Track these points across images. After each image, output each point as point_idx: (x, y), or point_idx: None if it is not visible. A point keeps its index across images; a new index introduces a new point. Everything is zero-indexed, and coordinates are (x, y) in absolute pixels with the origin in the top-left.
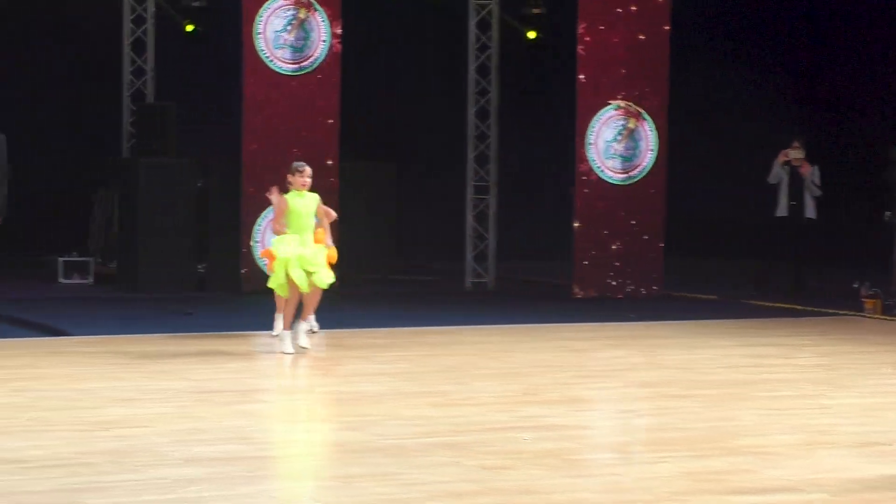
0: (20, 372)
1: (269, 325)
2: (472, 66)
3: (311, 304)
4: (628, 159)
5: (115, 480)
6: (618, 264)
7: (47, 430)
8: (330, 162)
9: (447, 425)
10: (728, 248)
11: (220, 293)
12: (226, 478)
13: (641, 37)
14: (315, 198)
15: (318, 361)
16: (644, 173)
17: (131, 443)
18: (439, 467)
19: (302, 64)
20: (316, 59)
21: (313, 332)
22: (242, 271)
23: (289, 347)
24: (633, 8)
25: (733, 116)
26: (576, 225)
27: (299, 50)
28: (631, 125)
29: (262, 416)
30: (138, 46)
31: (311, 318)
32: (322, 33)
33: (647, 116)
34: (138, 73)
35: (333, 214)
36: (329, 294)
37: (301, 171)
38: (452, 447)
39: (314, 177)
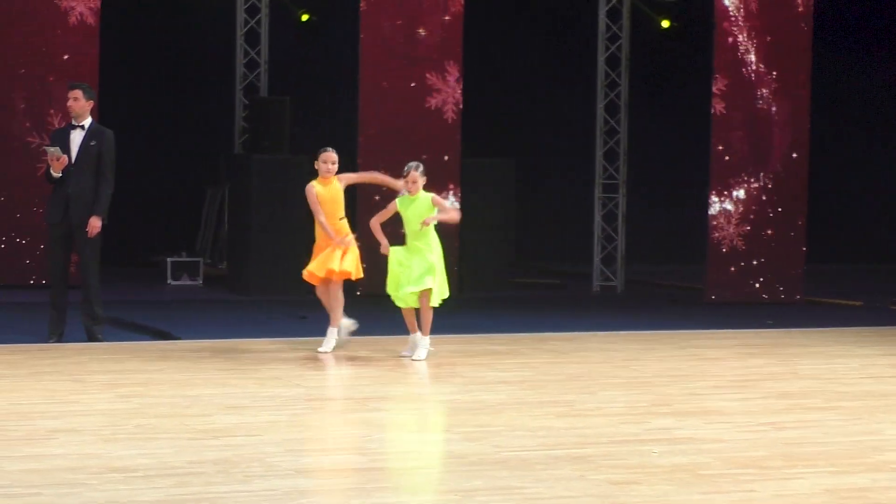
0: (127, 377)
1: (384, 329)
2: (601, 58)
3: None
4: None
5: (223, 491)
6: (756, 267)
7: (154, 437)
8: (447, 157)
9: (572, 437)
10: (873, 252)
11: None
12: (339, 490)
13: (780, 28)
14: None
15: (437, 369)
16: (783, 173)
17: (241, 452)
18: (563, 481)
19: (419, 54)
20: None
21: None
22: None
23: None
24: None
25: (881, 112)
26: (712, 225)
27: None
28: None
29: (378, 425)
30: (252, 38)
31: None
32: None
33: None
34: (251, 65)
35: (451, 211)
36: (450, 298)
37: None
38: (577, 460)
39: (430, 173)
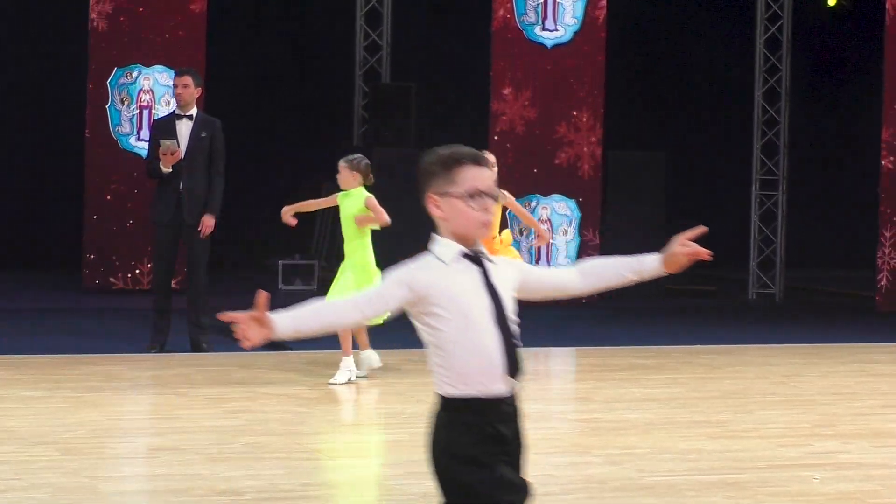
0: (235, 391)
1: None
2: (759, 40)
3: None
4: None
5: None
6: None
7: (264, 457)
8: (586, 150)
9: (726, 461)
10: None
11: None
12: None
13: None
14: (360, 198)
15: (576, 385)
16: None
17: (357, 474)
18: None
19: (557, 34)
20: (574, 27)
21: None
22: None
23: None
24: None
25: None
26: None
27: (556, 19)
28: None
29: None
30: (373, 18)
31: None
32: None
33: None
34: (372, 48)
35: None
36: (591, 307)
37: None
38: (731, 487)
39: (571, 166)
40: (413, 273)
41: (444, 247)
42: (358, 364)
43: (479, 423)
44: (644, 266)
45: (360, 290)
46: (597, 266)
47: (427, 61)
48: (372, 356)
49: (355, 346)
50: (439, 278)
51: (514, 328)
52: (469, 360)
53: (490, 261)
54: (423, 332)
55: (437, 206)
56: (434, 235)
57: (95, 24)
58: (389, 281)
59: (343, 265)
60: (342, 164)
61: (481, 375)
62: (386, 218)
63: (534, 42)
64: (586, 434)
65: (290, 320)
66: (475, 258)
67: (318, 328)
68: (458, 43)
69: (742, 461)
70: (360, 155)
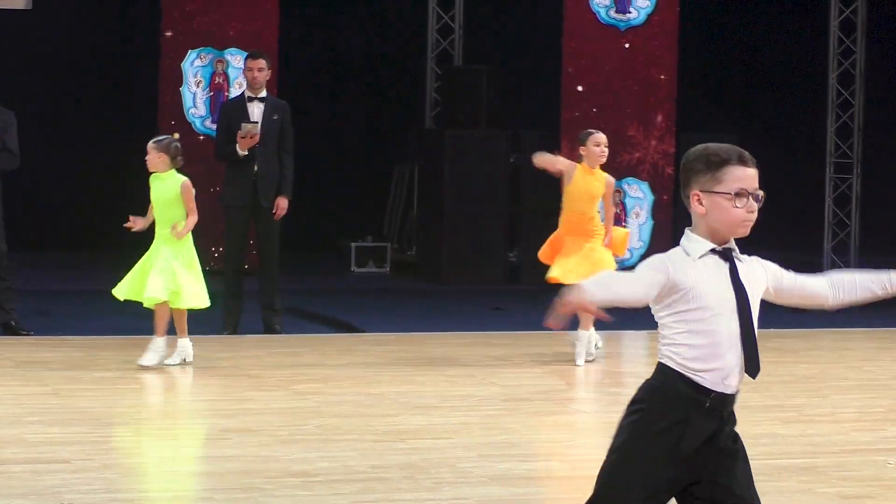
0: (307, 372)
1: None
2: (834, 22)
3: None
4: None
5: (410, 499)
6: None
7: (336, 439)
8: (658, 133)
9: (800, 445)
10: None
11: (534, 286)
12: (535, 499)
13: None
14: (176, 182)
15: (644, 368)
16: None
17: (429, 456)
18: (789, 494)
19: (630, 16)
20: (647, 10)
21: None
22: None
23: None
24: None
25: None
26: None
27: (629, 2)
28: None
29: (580, 429)
30: (445, 1)
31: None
32: None
33: None
34: (445, 31)
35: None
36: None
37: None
38: (805, 471)
39: (640, 149)
40: (665, 261)
41: (694, 242)
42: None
43: (681, 417)
44: (894, 283)
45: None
46: (846, 280)
47: (499, 43)
48: (187, 346)
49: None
50: (687, 268)
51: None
52: (707, 351)
53: (739, 259)
54: (665, 318)
55: (700, 203)
56: (687, 231)
57: (170, 6)
58: (647, 268)
59: (153, 246)
60: (150, 145)
61: (715, 368)
62: (194, 218)
63: (606, 24)
64: None
65: (595, 286)
66: (725, 254)
67: (613, 299)
68: (529, 25)
69: (816, 446)
70: (169, 136)
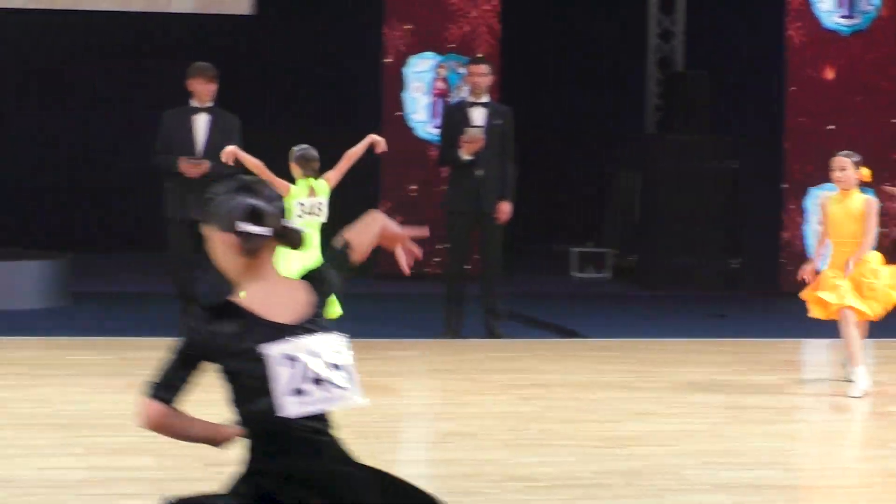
0: (528, 377)
1: (805, 331)
2: None
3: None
4: None
5: None
6: None
7: (557, 444)
8: (882, 137)
9: None
10: None
11: (755, 292)
12: None
13: None
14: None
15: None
16: None
17: (651, 463)
18: None
19: (854, 21)
20: (871, 14)
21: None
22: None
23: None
24: None
25: None
26: None
27: (852, 6)
28: None
29: (803, 438)
30: (667, 6)
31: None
32: None
33: None
34: (666, 36)
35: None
36: None
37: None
38: None
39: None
40: None
41: None
42: None
43: None
44: None
45: None
46: None
47: (720, 49)
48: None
49: None
50: None
51: None
52: None
53: None
54: None
55: None
56: None
57: (393, 11)
58: None
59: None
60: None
61: None
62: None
63: (829, 29)
64: (883, 428)
65: None
66: None
67: None
68: (751, 29)
69: None
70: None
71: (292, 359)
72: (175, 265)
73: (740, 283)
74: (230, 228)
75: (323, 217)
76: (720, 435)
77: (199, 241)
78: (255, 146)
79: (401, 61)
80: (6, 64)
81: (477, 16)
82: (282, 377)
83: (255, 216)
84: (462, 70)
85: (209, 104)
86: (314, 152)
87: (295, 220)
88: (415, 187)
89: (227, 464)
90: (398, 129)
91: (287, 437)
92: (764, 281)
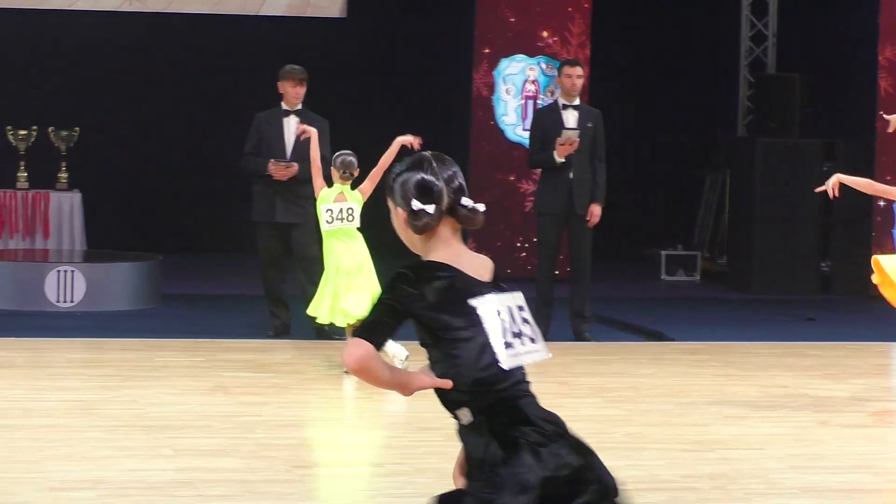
0: (616, 380)
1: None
2: None
3: None
4: None
5: None
6: None
7: (645, 448)
8: None
9: None
10: None
11: (846, 296)
12: None
13: None
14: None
15: None
16: None
17: (739, 467)
18: None
19: None
20: None
21: None
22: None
23: None
24: None
25: None
26: None
27: None
28: None
29: (892, 441)
30: (759, 9)
31: None
32: None
33: None
34: (758, 39)
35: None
36: None
37: None
38: None
39: None
40: None
41: None
42: None
43: None
44: None
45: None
46: None
47: (812, 51)
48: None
49: None
50: None
51: None
52: None
53: None
54: None
55: None
56: None
57: (483, 14)
58: None
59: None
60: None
61: None
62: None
63: None
64: None
65: None
66: None
67: None
68: (844, 32)
69: None
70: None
71: (500, 312)
72: (263, 267)
73: (831, 285)
74: (402, 204)
75: (356, 223)
76: (809, 439)
77: (286, 244)
78: (344, 148)
79: (491, 63)
80: (99, 68)
81: (568, 18)
82: (496, 329)
83: (425, 193)
84: (552, 72)
85: (298, 107)
86: (353, 159)
87: (324, 226)
88: (503, 190)
89: (312, 465)
90: (488, 131)
91: (504, 391)
92: (855, 284)
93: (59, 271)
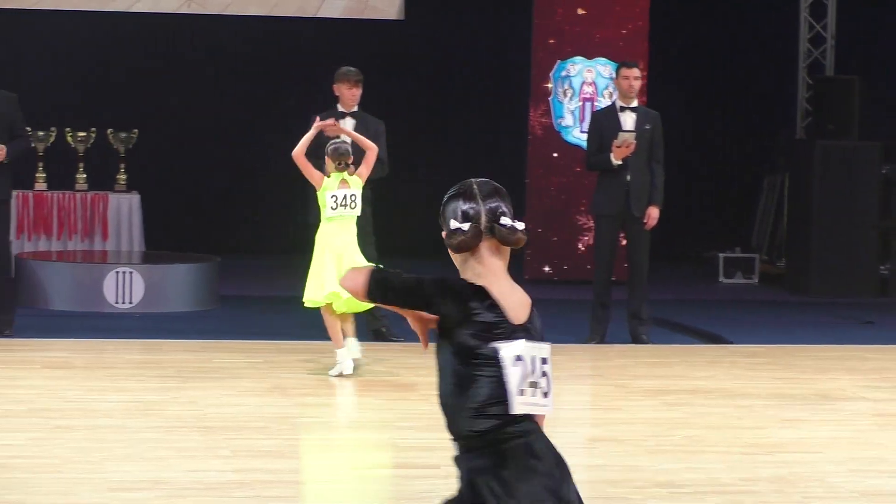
0: (673, 383)
1: None
2: None
3: None
4: None
5: None
6: None
7: (703, 451)
8: None
9: None
10: None
11: None
12: None
13: None
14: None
15: None
16: None
17: (798, 470)
18: None
19: None
20: None
21: None
22: None
23: None
24: None
25: None
26: None
27: None
28: None
29: None
30: (818, 11)
31: None
32: None
33: None
34: (817, 41)
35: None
36: None
37: None
38: None
39: None
40: None
41: None
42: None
43: None
44: None
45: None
46: None
47: (871, 53)
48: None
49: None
50: None
51: None
52: None
53: None
54: None
55: None
56: None
57: (541, 16)
58: None
59: None
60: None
61: None
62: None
63: None
64: None
65: None
66: None
67: None
68: None
69: None
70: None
71: (521, 359)
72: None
73: (890, 288)
74: (443, 224)
75: (357, 210)
76: (868, 442)
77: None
78: (401, 150)
79: (548, 65)
80: (159, 71)
81: (626, 20)
82: (515, 375)
83: (461, 215)
84: (610, 74)
85: (355, 109)
86: (347, 147)
87: (328, 213)
88: (561, 192)
89: (371, 467)
90: (545, 133)
91: (508, 433)
92: None
93: (117, 273)
